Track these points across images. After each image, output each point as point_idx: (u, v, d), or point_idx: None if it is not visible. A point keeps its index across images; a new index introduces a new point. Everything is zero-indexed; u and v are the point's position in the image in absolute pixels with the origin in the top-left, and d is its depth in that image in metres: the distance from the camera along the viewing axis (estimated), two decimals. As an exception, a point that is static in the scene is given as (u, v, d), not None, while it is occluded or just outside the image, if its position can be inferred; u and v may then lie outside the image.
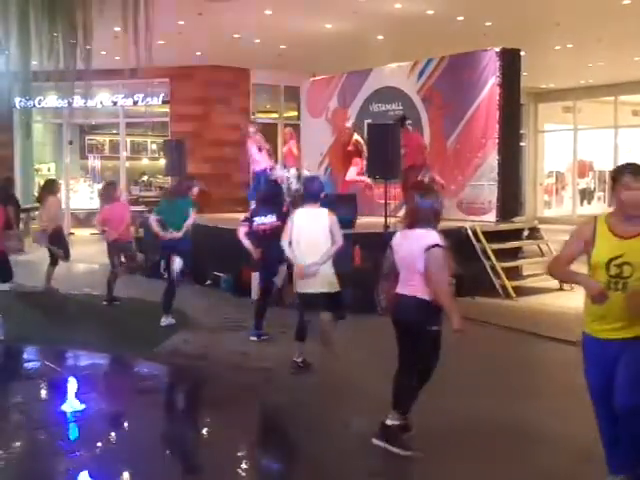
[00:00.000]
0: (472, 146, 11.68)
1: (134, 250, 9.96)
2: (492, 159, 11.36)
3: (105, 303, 9.43)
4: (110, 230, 9.41)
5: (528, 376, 6.46)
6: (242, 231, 7.61)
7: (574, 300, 9.65)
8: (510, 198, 11.66)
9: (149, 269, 11.78)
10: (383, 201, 10.60)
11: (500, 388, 5.92)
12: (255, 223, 7.54)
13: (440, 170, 11.95)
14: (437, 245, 4.46)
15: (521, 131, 15.96)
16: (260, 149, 12.64)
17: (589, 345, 3.80)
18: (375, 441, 4.65)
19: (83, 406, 5.38)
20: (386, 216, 10.16)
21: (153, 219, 8.52)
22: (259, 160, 12.71)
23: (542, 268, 11.01)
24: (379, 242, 9.07)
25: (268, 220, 7.46)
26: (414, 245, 4.51)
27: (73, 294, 10.34)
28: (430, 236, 4.51)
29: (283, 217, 7.25)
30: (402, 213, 11.44)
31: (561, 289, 10.57)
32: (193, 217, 8.41)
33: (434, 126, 12.38)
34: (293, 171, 12.50)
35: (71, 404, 5.36)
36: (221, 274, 10.64)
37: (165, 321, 8.25)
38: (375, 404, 5.53)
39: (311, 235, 6.19)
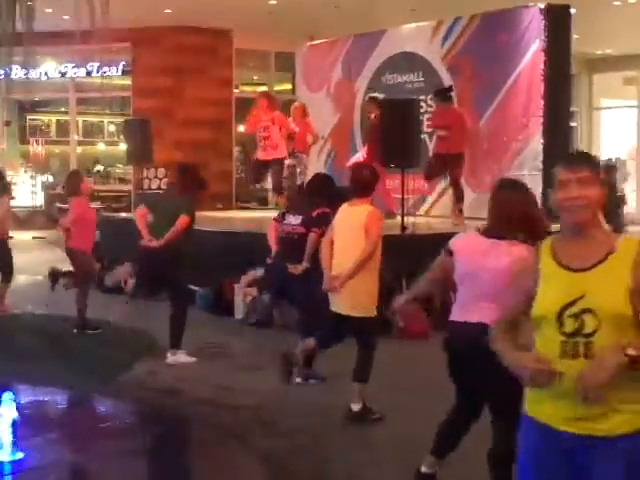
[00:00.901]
0: (510, 127, 11.69)
1: (90, 258, 9.87)
2: (536, 143, 11.37)
3: (75, 331, 9.27)
4: (78, 234, 9.27)
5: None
6: (271, 225, 7.58)
7: None
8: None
9: (104, 281, 11.78)
10: (399, 196, 10.60)
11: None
12: (283, 223, 7.43)
13: (470, 158, 11.96)
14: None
15: (572, 108, 15.97)
16: (281, 129, 11.96)
17: (530, 435, 3.08)
18: None
19: (21, 455, 5.36)
20: (403, 214, 10.15)
21: (140, 212, 8.27)
22: (278, 145, 11.98)
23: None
24: (395, 247, 9.09)
25: (294, 221, 7.30)
26: (499, 265, 4.19)
27: (14, 313, 10.32)
28: (516, 252, 4.16)
29: (311, 223, 7.09)
30: (452, 210, 11.49)
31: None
32: (181, 225, 7.88)
33: (463, 102, 12.38)
34: (301, 159, 12.29)
35: (7, 453, 5.34)
36: (197, 288, 10.62)
37: (171, 358, 7.95)
38: (391, 449, 5.51)
39: (344, 238, 6.13)
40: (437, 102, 11.56)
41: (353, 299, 6.08)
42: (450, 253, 4.49)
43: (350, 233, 6.06)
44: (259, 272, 9.27)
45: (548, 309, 2.89)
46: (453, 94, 11.67)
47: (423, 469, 4.73)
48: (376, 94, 13.00)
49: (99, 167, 22.15)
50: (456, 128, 11.02)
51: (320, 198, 7.28)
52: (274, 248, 7.52)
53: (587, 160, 2.96)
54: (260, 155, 11.79)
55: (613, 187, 10.91)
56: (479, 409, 4.59)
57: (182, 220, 7.85)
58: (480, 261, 4.33)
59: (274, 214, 8.09)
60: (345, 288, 6.05)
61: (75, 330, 9.19)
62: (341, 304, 6.12)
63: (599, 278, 2.84)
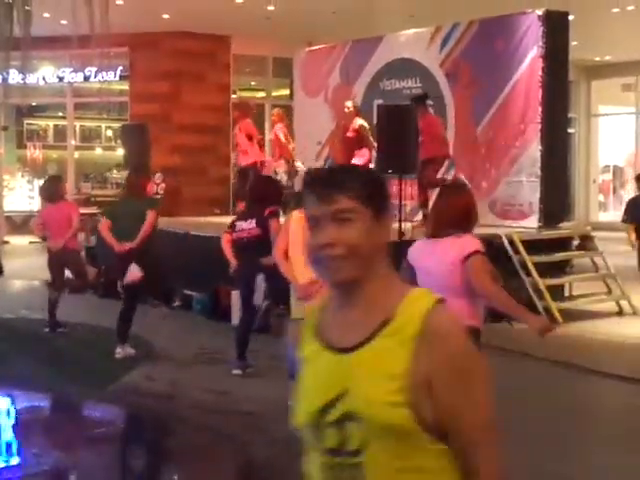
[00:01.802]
0: (508, 133, 11.69)
1: (83, 263, 9.91)
2: (533, 149, 11.36)
3: (47, 330, 9.41)
4: (53, 237, 9.39)
5: (580, 423, 6.43)
6: (225, 239, 7.75)
7: (638, 327, 9.72)
8: (556, 198, 11.67)
9: (103, 287, 11.77)
10: (397, 202, 10.59)
11: (543, 438, 5.90)
12: (236, 229, 7.61)
13: (468, 163, 11.97)
14: (478, 252, 4.44)
15: (570, 115, 15.99)
16: (250, 137, 12.60)
17: None
18: None
19: (17, 460, 5.35)
20: (401, 220, 10.15)
21: (104, 224, 8.53)
22: (248, 151, 12.67)
23: (596, 287, 11.05)
24: (392, 253, 9.09)
25: (247, 226, 7.54)
26: (446, 256, 4.47)
27: (8, 318, 10.31)
28: (466, 242, 4.50)
29: (265, 223, 7.36)
30: (420, 217, 11.58)
31: (621, 313, 10.57)
32: (150, 221, 8.35)
33: (461, 108, 12.39)
34: (282, 164, 12.53)
35: (3, 459, 5.32)
36: (193, 293, 10.62)
37: (121, 352, 8.23)
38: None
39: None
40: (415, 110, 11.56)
41: None
42: (410, 266, 4.70)
43: None
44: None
45: (304, 413, 1.94)
46: (429, 101, 11.70)
47: None
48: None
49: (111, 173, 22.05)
50: (425, 134, 11.06)
51: (267, 201, 7.55)
52: (233, 262, 7.62)
53: (348, 181, 1.85)
54: (237, 161, 12.43)
55: None
56: None
57: (151, 215, 8.27)
58: (431, 260, 4.55)
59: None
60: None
61: (47, 329, 9.31)
62: None
63: (365, 364, 1.82)
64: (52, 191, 9.69)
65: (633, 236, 11.00)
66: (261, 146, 12.96)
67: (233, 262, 7.64)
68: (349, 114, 12.44)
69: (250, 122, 12.85)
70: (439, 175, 11.55)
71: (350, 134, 12.33)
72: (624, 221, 12.00)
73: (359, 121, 12.27)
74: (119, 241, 8.27)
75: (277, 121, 13.67)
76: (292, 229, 6.31)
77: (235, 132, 12.66)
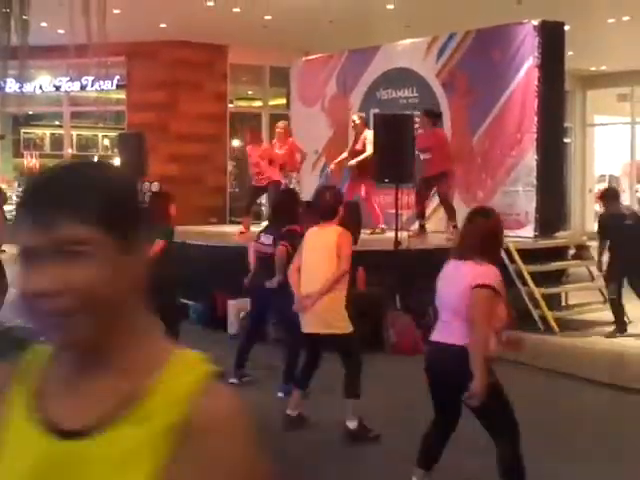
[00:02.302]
0: (504, 143, 11.71)
1: None
2: (529, 159, 11.39)
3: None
4: None
5: (577, 434, 6.43)
6: (250, 250, 7.77)
7: (635, 337, 9.71)
8: (552, 208, 11.69)
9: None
10: (392, 211, 10.61)
11: (538, 448, 5.89)
12: (259, 239, 7.65)
13: (464, 173, 11.99)
14: (488, 286, 4.38)
15: (565, 124, 16.01)
16: (271, 162, 12.57)
17: None
18: None
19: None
20: (397, 230, 10.16)
21: None
22: (265, 172, 12.54)
23: (592, 296, 11.05)
24: (388, 263, 9.10)
25: (266, 241, 7.49)
26: (460, 281, 4.47)
27: (5, 327, 10.29)
28: (484, 272, 4.45)
29: (281, 240, 7.20)
30: (416, 227, 11.59)
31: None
32: (155, 250, 8.03)
33: (457, 118, 12.42)
34: (293, 179, 12.51)
35: None
36: (190, 302, 10.61)
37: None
38: (386, 465, 5.50)
39: (314, 259, 6.17)
40: (424, 122, 11.59)
41: (328, 318, 6.11)
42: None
43: (320, 253, 6.12)
44: None
45: None
46: (439, 120, 11.80)
47: None
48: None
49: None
50: (436, 149, 11.23)
51: (287, 215, 7.44)
52: (253, 269, 7.61)
53: (79, 197, 1.22)
54: (255, 182, 12.45)
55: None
56: (455, 423, 4.71)
57: (157, 245, 7.92)
58: (449, 280, 4.57)
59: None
60: (319, 308, 6.08)
61: None
62: (316, 324, 6.14)
63: (97, 462, 1.20)
64: None
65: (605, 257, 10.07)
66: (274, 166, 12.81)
67: (247, 278, 7.66)
68: (357, 126, 12.41)
69: (268, 148, 12.98)
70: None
71: (359, 147, 12.33)
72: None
73: (368, 132, 12.19)
74: None
75: (288, 134, 13.23)
76: (308, 243, 6.29)
77: (252, 156, 12.64)
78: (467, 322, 4.40)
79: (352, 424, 6.07)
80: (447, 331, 4.50)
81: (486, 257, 4.48)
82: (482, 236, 4.53)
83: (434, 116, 11.49)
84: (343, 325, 6.15)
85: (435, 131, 11.44)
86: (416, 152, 11.06)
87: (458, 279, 4.48)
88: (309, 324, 6.19)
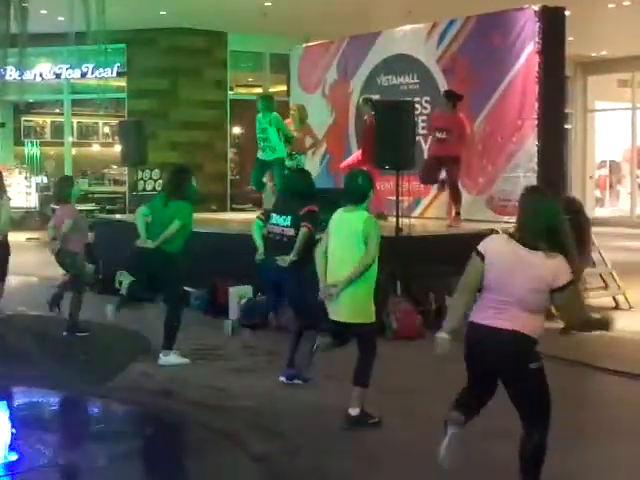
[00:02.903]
0: (505, 129, 11.69)
1: (77, 266, 9.78)
2: (530, 145, 11.37)
3: (65, 333, 9.25)
4: (74, 238, 9.34)
5: (575, 418, 6.43)
6: (256, 223, 7.42)
7: (636, 322, 9.71)
8: (552, 193, 11.64)
9: (101, 283, 11.76)
10: (393, 197, 10.59)
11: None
12: (270, 221, 7.27)
13: (465, 159, 11.96)
14: (572, 282, 4.32)
15: (566, 110, 15.99)
16: (279, 132, 12.09)
17: None
18: None
19: (16, 457, 5.35)
20: (398, 216, 10.14)
21: (140, 212, 8.23)
22: (276, 147, 12.12)
23: (593, 282, 11.04)
24: (389, 249, 9.08)
25: (282, 222, 7.15)
26: (535, 277, 4.30)
27: (5, 315, 10.29)
28: (559, 271, 4.29)
29: (299, 223, 7.00)
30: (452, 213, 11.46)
31: (617, 308, 10.58)
32: (173, 229, 7.95)
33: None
34: (302, 159, 12.11)
35: (2, 455, 5.32)
36: (191, 289, 10.60)
37: (163, 359, 7.93)
38: (388, 451, 5.50)
39: (341, 246, 6.04)
40: (444, 104, 11.43)
41: (353, 306, 6.01)
42: (482, 257, 4.46)
43: (347, 240, 6.00)
44: None
45: None
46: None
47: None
48: (369, 96, 12.99)
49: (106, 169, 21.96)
50: (456, 132, 11.10)
51: (302, 195, 7.17)
52: (261, 249, 7.35)
53: None
54: (261, 156, 11.84)
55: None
56: (489, 397, 4.66)
57: (174, 224, 7.92)
58: (515, 268, 4.34)
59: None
60: (344, 296, 5.98)
61: (65, 333, 9.16)
62: (341, 312, 6.06)
63: None
64: (62, 192, 9.61)
65: None
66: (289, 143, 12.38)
67: (260, 253, 7.31)
68: (367, 108, 12.15)
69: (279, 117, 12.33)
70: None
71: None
72: None
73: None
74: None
75: (300, 118, 12.44)
76: (334, 227, 6.15)
77: (264, 125, 11.98)
78: (533, 313, 4.37)
79: (354, 411, 6.05)
80: (509, 319, 4.36)
81: (542, 245, 4.33)
82: (549, 223, 4.41)
83: (456, 98, 11.35)
84: (366, 314, 6.06)
85: (457, 114, 11.28)
86: (429, 131, 10.94)
87: (530, 271, 4.31)
88: (334, 312, 6.10)
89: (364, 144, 11.94)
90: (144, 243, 7.97)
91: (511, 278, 4.33)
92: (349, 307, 6.02)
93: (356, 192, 6.10)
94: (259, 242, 7.34)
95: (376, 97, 12.87)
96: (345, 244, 6.01)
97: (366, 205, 6.15)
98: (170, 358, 7.90)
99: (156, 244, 7.89)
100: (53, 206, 10.04)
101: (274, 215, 7.24)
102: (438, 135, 11.26)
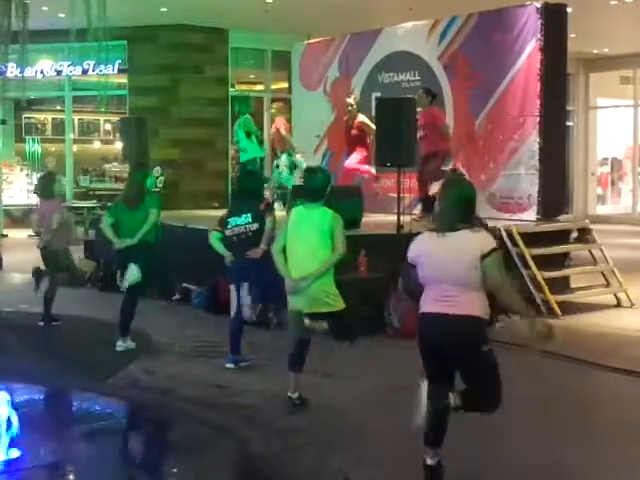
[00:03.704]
0: (507, 126, 11.67)
1: (64, 263, 9.83)
2: (532, 142, 11.35)
3: (41, 324, 9.43)
4: (45, 233, 9.42)
5: (577, 416, 6.43)
6: (213, 235, 7.66)
7: (637, 319, 9.72)
8: (554, 191, 11.67)
9: (103, 280, 11.77)
10: (394, 195, 10.58)
11: (543, 431, 5.90)
12: (229, 225, 7.54)
13: (466, 156, 11.95)
14: (496, 249, 4.50)
15: (568, 107, 15.97)
16: (248, 134, 12.51)
17: None
18: None
19: (14, 455, 5.35)
20: (399, 213, 10.14)
21: (106, 223, 8.57)
22: (247, 149, 12.54)
23: (594, 279, 11.05)
24: (391, 246, 9.08)
25: (242, 221, 7.48)
26: (461, 252, 4.50)
27: (6, 312, 10.30)
28: (484, 238, 4.54)
29: (260, 217, 7.40)
30: (419, 210, 11.56)
31: (619, 305, 10.58)
32: (152, 219, 8.35)
33: (459, 101, 12.37)
34: (284, 158, 12.52)
35: (3, 452, 5.33)
36: (192, 287, 10.61)
37: (122, 345, 8.26)
38: (389, 448, 5.51)
39: (306, 241, 6.20)
40: (422, 100, 11.45)
41: (325, 297, 6.19)
42: (413, 266, 4.70)
43: (311, 235, 6.18)
44: None
45: None
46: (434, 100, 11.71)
47: (428, 461, 4.73)
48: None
49: (107, 165, 21.96)
50: (429, 128, 11.15)
51: (258, 195, 7.81)
52: (228, 255, 7.55)
53: None
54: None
55: None
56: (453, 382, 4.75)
57: (152, 213, 8.34)
58: (447, 256, 4.52)
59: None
60: (315, 288, 6.14)
61: (41, 323, 9.37)
62: (313, 303, 6.18)
63: None
64: (46, 187, 9.72)
65: None
66: (260, 142, 12.89)
67: (228, 255, 7.56)
68: (351, 111, 12.52)
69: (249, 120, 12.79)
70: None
71: (354, 132, 12.44)
72: None
73: (360, 117, 12.38)
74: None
75: (278, 114, 13.64)
76: (291, 223, 6.32)
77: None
78: (476, 291, 4.48)
79: (295, 394, 6.30)
80: (453, 303, 4.53)
81: (471, 225, 4.57)
82: (468, 204, 4.62)
83: (428, 92, 11.41)
84: (337, 302, 6.26)
85: (430, 110, 11.36)
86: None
87: (459, 251, 4.50)
88: (301, 303, 6.21)
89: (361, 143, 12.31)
90: (124, 243, 8.24)
91: (446, 265, 4.52)
92: (321, 297, 6.19)
93: (317, 188, 6.35)
94: (221, 249, 7.61)
95: (377, 94, 12.89)
96: (309, 239, 6.19)
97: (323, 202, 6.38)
98: (128, 344, 8.28)
99: (138, 238, 8.19)
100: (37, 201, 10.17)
101: (232, 219, 7.54)
102: (419, 134, 11.26)
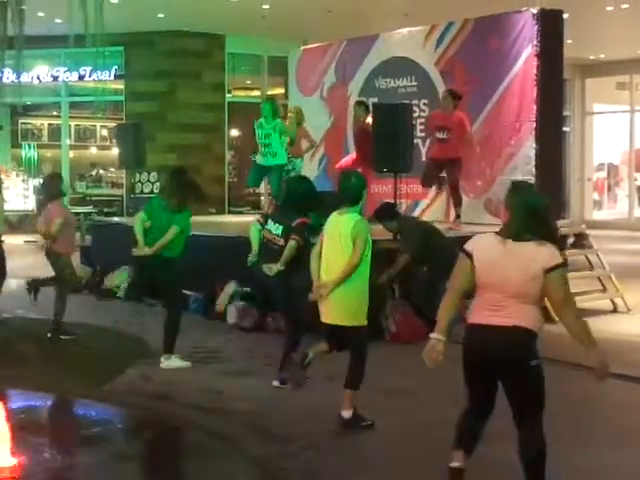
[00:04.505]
0: (503, 132, 11.70)
1: (62, 267, 9.72)
2: (528, 148, 11.38)
3: (49, 335, 9.25)
4: (62, 238, 9.31)
5: (576, 421, 6.44)
6: (255, 226, 7.34)
7: (634, 325, 9.72)
8: (551, 197, 11.54)
9: (99, 287, 11.76)
10: (392, 200, 10.60)
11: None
12: (266, 227, 7.21)
13: (463, 162, 11.98)
14: (562, 265, 4.32)
15: (564, 113, 16.01)
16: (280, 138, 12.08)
17: None
18: None
19: (15, 461, 5.34)
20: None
21: (139, 218, 8.14)
22: (277, 152, 12.08)
23: (591, 285, 11.06)
24: (388, 252, 9.08)
25: (274, 231, 7.08)
26: (525, 261, 4.31)
27: (3, 318, 10.28)
28: (550, 251, 4.33)
29: (291, 233, 6.92)
30: (452, 218, 11.49)
31: (615, 311, 10.59)
32: (170, 235, 7.93)
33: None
34: (299, 163, 12.05)
35: (1, 459, 5.32)
36: (190, 292, 10.60)
37: (164, 362, 7.95)
38: (385, 454, 5.51)
39: (331, 248, 6.10)
40: (447, 101, 11.25)
41: (342, 308, 6.05)
42: (470, 257, 4.44)
43: (338, 242, 6.04)
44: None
45: None
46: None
47: (454, 464, 4.64)
48: (362, 98, 13.00)
49: (94, 171, 22.06)
50: (456, 132, 10.94)
51: (299, 206, 7.09)
52: (254, 248, 7.30)
53: None
54: (260, 160, 11.68)
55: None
56: (493, 407, 4.65)
57: (172, 230, 7.91)
58: (508, 263, 4.34)
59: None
60: (333, 298, 6.02)
61: (49, 335, 9.14)
62: (331, 314, 6.10)
63: None
64: (51, 189, 9.58)
65: None
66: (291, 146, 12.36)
67: (255, 249, 7.26)
68: (358, 111, 12.21)
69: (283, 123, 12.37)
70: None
71: (361, 133, 12.11)
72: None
73: (369, 118, 11.98)
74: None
75: (297, 120, 12.46)
76: (327, 230, 6.20)
77: (267, 132, 11.96)
78: (533, 304, 4.37)
79: (347, 414, 6.06)
80: (506, 314, 4.37)
81: (540, 238, 4.37)
82: (540, 217, 4.43)
83: (457, 97, 11.24)
84: (357, 317, 6.10)
85: (457, 113, 11.12)
86: (427, 132, 10.88)
87: (524, 262, 4.32)
88: (324, 315, 6.15)
89: (359, 146, 11.94)
90: (141, 251, 7.94)
91: (505, 273, 4.33)
92: (339, 309, 6.06)
93: (349, 192, 6.14)
94: (255, 244, 7.29)
95: (374, 100, 12.90)
96: (335, 246, 6.06)
97: (360, 206, 6.20)
98: (171, 362, 7.90)
99: (153, 251, 7.87)
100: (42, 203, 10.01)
101: (270, 221, 7.19)
102: (438, 135, 11.08)
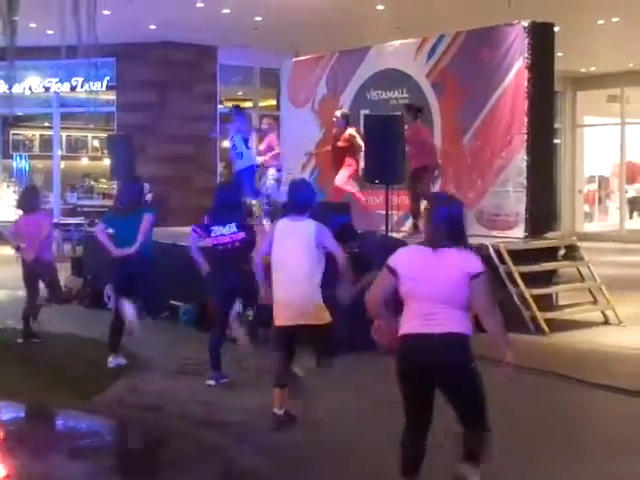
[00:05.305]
0: (494, 143, 11.72)
1: (55, 275, 9.79)
2: (519, 160, 11.40)
3: (20, 341, 9.40)
4: (27, 248, 9.37)
5: (566, 433, 6.44)
6: (193, 242, 7.61)
7: (625, 337, 9.74)
8: (542, 209, 11.71)
9: (89, 297, 11.73)
10: (383, 212, 10.61)
11: (530, 448, 5.90)
12: (212, 234, 7.46)
13: (454, 173, 11.99)
14: (483, 272, 4.47)
15: (555, 125, 16.06)
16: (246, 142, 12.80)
17: None
18: None
19: (2, 474, 5.31)
20: (387, 230, 10.17)
21: (101, 229, 8.51)
22: (243, 154, 12.75)
23: (582, 297, 11.08)
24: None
25: (227, 231, 7.42)
26: (452, 271, 4.44)
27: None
28: (472, 259, 4.52)
29: (246, 228, 7.45)
30: (408, 226, 11.58)
31: (606, 323, 10.60)
32: (146, 224, 8.28)
33: (447, 118, 12.42)
34: (273, 173, 12.51)
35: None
36: (180, 304, 10.58)
37: (113, 361, 8.22)
38: (374, 467, 5.50)
39: (293, 254, 6.20)
40: (405, 116, 11.43)
41: (309, 309, 6.18)
42: (393, 271, 4.57)
43: (298, 247, 6.18)
44: None
45: None
46: (420, 114, 11.67)
47: None
48: (345, 110, 13.15)
49: (86, 182, 22.04)
50: (413, 144, 11.08)
51: (241, 207, 7.93)
52: (206, 267, 7.54)
53: None
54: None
55: None
56: (431, 418, 4.68)
57: (147, 218, 8.30)
58: (434, 271, 4.47)
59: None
60: (301, 300, 6.15)
61: (21, 340, 9.35)
62: (297, 316, 6.17)
63: None
64: (28, 202, 9.70)
65: None
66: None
67: (206, 267, 7.53)
68: (337, 121, 12.46)
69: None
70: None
71: (341, 144, 12.34)
72: None
73: (349, 130, 12.29)
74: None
75: (269, 131, 13.59)
76: (276, 238, 6.32)
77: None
78: (461, 310, 4.45)
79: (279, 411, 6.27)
80: (439, 322, 4.46)
81: (458, 245, 4.54)
82: (457, 224, 4.59)
83: (409, 108, 11.42)
84: (325, 315, 6.25)
85: (413, 125, 11.34)
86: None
87: (446, 269, 4.45)
88: (289, 317, 6.20)
89: (341, 156, 12.25)
90: (124, 251, 8.09)
91: (432, 282, 4.45)
92: (306, 309, 6.18)
93: (302, 203, 6.37)
94: (203, 260, 7.58)
95: (365, 112, 12.93)
96: (297, 251, 6.19)
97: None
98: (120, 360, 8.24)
99: (136, 247, 8.11)
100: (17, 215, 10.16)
101: (215, 227, 7.47)
102: (407, 150, 11.25)
